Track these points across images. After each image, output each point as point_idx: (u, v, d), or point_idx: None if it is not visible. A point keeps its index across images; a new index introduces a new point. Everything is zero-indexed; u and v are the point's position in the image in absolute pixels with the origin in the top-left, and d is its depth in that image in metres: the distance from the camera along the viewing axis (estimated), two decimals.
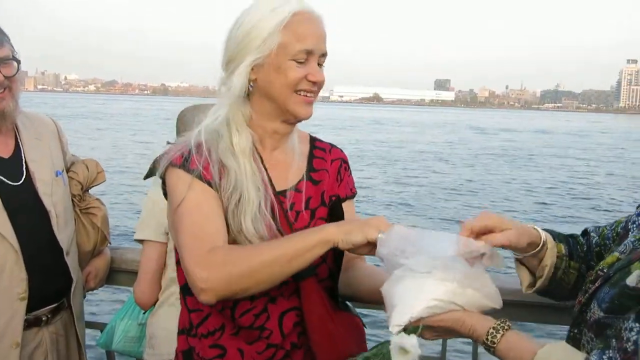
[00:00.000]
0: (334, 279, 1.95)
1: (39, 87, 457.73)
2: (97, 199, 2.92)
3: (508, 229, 1.65)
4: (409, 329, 1.55)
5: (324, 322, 1.86)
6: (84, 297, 2.93)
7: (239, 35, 1.84)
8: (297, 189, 1.95)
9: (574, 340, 1.55)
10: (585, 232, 1.91)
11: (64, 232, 2.64)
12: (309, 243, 1.67)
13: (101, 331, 3.08)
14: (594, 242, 1.85)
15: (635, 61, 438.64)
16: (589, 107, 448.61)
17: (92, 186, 2.89)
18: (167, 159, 1.85)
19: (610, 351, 1.34)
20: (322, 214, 1.98)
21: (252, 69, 1.84)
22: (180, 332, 2.00)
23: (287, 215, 1.89)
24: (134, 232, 2.78)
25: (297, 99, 1.85)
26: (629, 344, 1.31)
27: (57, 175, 2.68)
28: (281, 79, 1.83)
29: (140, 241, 2.74)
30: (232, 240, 1.79)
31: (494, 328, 1.51)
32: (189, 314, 1.95)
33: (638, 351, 1.30)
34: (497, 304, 1.60)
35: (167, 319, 2.67)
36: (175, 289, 2.66)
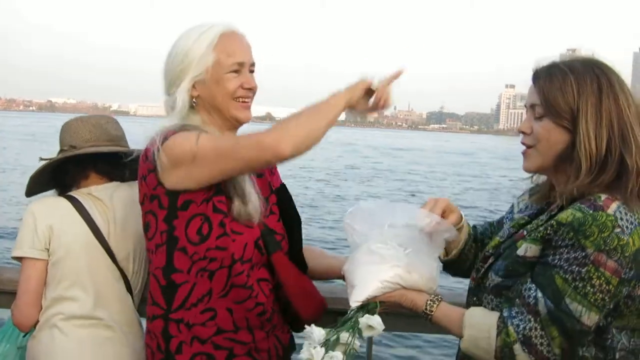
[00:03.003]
0: (292, 252, 2.31)
1: None
2: None
3: (456, 211, 2.15)
4: (366, 305, 1.94)
5: (300, 281, 2.29)
6: None
7: (175, 61, 2.17)
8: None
9: (473, 307, 1.98)
10: (474, 227, 2.36)
11: None
12: (331, 100, 2.08)
13: None
14: (479, 232, 2.32)
15: (513, 86, 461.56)
16: (471, 128, 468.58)
17: None
18: (156, 144, 2.09)
19: (516, 307, 1.81)
20: (274, 200, 2.32)
21: (194, 87, 2.16)
22: (153, 318, 2.20)
23: None
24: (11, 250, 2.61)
25: (236, 106, 2.19)
26: (530, 299, 1.79)
27: None
28: (221, 90, 2.16)
29: (19, 259, 2.59)
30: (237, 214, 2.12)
31: (430, 300, 1.96)
32: (175, 289, 2.15)
33: (538, 303, 1.77)
34: (433, 287, 2.02)
35: (48, 343, 2.53)
36: (57, 309, 2.54)
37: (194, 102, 2.18)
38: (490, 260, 2.02)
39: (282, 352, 2.32)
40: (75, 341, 2.52)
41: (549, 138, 1.89)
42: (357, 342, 1.88)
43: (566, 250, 1.77)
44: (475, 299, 2.04)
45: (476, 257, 2.20)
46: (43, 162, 2.65)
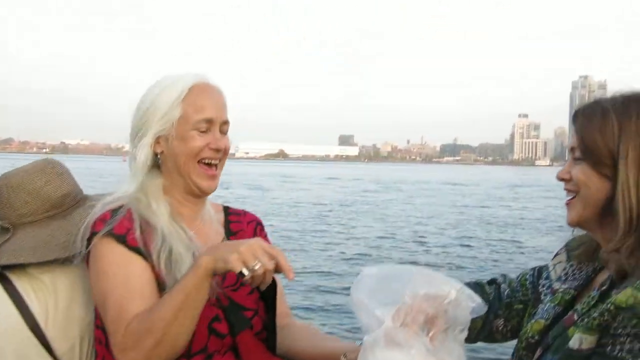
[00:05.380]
0: (269, 331, 1.97)
1: None
2: None
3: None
4: None
5: None
6: None
7: (141, 111, 1.95)
8: None
9: None
10: (492, 281, 2.04)
11: None
12: (193, 281, 1.65)
13: None
14: (505, 293, 1.97)
15: (526, 115, 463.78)
16: (486, 159, 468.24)
17: None
18: (88, 228, 1.86)
19: None
20: None
21: (158, 142, 1.94)
22: None
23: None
24: None
25: (199, 171, 1.94)
26: None
27: None
28: (184, 148, 1.91)
29: None
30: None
31: None
32: None
33: None
34: None
35: None
36: None
37: (158, 158, 1.97)
38: (538, 353, 1.70)
39: None
40: None
41: (588, 185, 1.63)
42: None
43: (629, 340, 1.47)
44: None
45: (489, 323, 1.93)
46: None
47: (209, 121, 1.93)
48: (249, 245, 1.64)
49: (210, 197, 2.07)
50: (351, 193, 55.31)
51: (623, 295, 1.49)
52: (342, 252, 21.07)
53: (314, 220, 31.80)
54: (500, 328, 1.94)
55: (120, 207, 1.90)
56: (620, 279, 1.59)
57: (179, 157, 1.92)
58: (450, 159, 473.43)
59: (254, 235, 2.14)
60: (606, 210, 1.61)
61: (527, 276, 1.98)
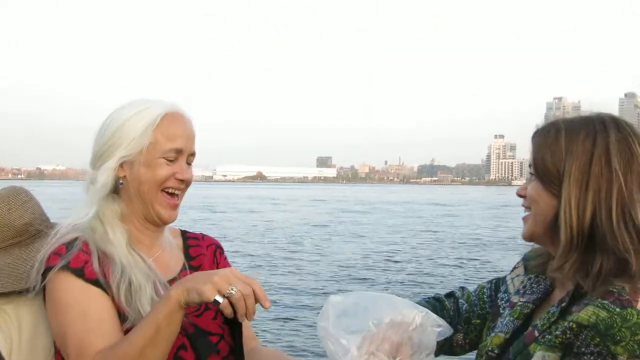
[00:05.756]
0: (236, 354, 1.92)
1: None
2: None
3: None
4: None
5: None
6: None
7: (107, 133, 1.91)
8: (180, 278, 1.93)
9: None
10: (451, 295, 2.05)
11: None
12: (164, 313, 1.64)
13: None
14: (463, 308, 1.99)
15: (502, 136, 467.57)
16: (463, 180, 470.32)
17: None
18: (43, 262, 1.81)
19: None
20: None
21: (122, 167, 1.90)
22: None
23: None
24: None
25: (162, 200, 1.92)
26: None
27: None
28: (150, 175, 1.89)
29: None
30: (132, 326, 1.75)
31: None
32: None
33: None
34: None
35: None
36: None
37: (120, 183, 1.92)
38: None
39: None
40: None
41: (538, 201, 1.68)
42: None
43: (592, 358, 1.48)
44: None
45: (466, 334, 1.95)
46: None
47: (179, 151, 1.92)
48: (222, 274, 1.64)
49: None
50: (334, 214, 55.39)
51: (585, 314, 1.51)
52: (317, 274, 21.08)
53: (295, 241, 31.81)
54: (459, 342, 1.98)
55: (76, 239, 1.85)
56: (579, 295, 1.61)
57: (143, 184, 1.90)
58: (428, 179, 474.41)
59: (214, 258, 2.15)
60: (554, 226, 1.64)
61: (485, 289, 2.01)
